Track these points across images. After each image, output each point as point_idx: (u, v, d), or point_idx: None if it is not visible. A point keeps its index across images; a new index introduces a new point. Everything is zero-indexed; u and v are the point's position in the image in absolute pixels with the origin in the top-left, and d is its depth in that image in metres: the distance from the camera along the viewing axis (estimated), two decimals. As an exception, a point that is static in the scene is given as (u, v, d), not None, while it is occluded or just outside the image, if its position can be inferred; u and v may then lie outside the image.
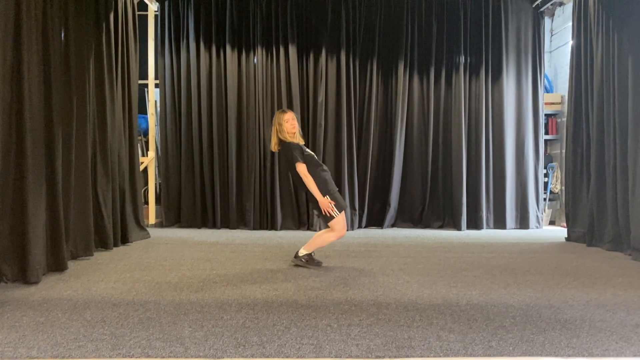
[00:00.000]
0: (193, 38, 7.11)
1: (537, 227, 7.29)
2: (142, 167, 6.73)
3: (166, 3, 7.19)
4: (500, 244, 5.82)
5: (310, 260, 4.38)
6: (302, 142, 4.49)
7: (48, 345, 2.44)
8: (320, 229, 6.84)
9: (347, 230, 6.88)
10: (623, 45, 5.19)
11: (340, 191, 6.98)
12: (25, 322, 2.80)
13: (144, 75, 7.23)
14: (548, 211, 7.78)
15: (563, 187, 7.31)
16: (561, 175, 7.60)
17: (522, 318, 2.90)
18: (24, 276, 3.68)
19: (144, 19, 7.18)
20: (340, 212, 4.29)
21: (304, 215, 7.09)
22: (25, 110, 3.73)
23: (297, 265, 4.40)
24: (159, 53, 7.27)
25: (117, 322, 2.78)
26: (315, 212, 4.50)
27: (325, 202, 4.22)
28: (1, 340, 2.51)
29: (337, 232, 4.33)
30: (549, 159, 7.91)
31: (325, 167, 4.44)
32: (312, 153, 4.45)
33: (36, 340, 2.51)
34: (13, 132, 3.71)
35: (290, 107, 6.95)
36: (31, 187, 3.75)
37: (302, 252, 4.40)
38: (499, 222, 7.26)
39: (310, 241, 4.41)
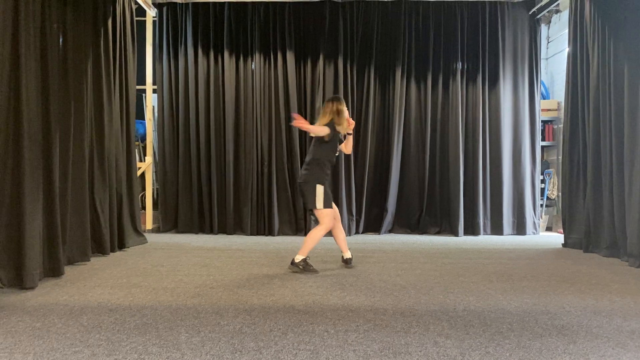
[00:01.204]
0: (191, 44, 7.13)
1: (534, 233, 7.31)
2: (139, 173, 6.73)
3: (164, 9, 7.21)
4: (497, 250, 5.83)
5: (306, 267, 4.39)
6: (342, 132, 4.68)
7: (44, 350, 2.43)
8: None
9: (346, 235, 6.93)
10: (619, 52, 5.22)
11: (338, 196, 7.00)
12: (21, 327, 2.79)
13: (141, 80, 7.24)
14: (545, 217, 7.79)
15: (560, 194, 7.33)
16: (558, 181, 7.63)
17: (519, 324, 2.90)
18: (20, 281, 3.67)
19: (142, 25, 7.19)
20: (326, 207, 4.47)
21: (301, 221, 7.09)
22: (23, 115, 3.73)
23: (294, 272, 4.41)
24: (157, 58, 7.28)
25: (113, 328, 2.77)
26: (310, 210, 4.63)
27: (305, 125, 4.41)
28: (-3, 345, 2.50)
29: (325, 225, 4.46)
30: (545, 165, 7.94)
31: (331, 168, 4.68)
32: (338, 149, 4.68)
33: (32, 345, 2.50)
34: (10, 137, 3.71)
35: (287, 112, 6.99)
36: (28, 191, 3.74)
37: (299, 257, 4.41)
38: (496, 228, 7.27)
39: (304, 245, 4.44)
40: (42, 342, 2.54)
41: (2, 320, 2.90)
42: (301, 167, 4.83)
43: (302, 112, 7.13)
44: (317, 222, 6.51)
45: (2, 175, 3.66)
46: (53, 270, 4.09)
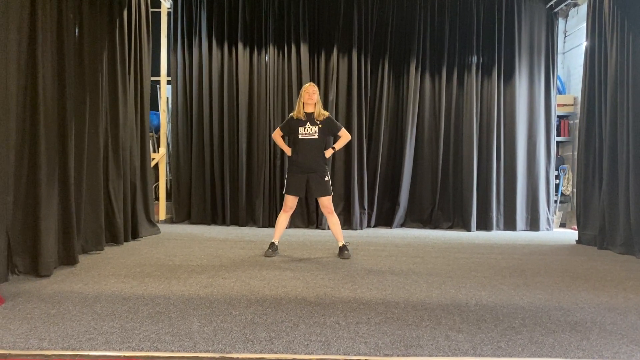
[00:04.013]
0: (205, 35, 7.14)
1: (547, 229, 7.25)
2: (153, 164, 6.77)
3: (179, 0, 7.22)
4: (510, 245, 5.79)
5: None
6: (320, 115, 4.80)
7: (59, 337, 2.47)
8: (327, 228, 6.86)
9: (356, 229, 6.94)
10: (638, 47, 5.14)
11: (350, 190, 7.00)
12: (36, 314, 2.82)
13: (156, 71, 7.27)
14: (559, 213, 7.72)
15: (574, 190, 7.25)
16: (572, 177, 7.55)
17: (531, 319, 2.88)
18: (36, 269, 3.72)
19: (157, 16, 7.22)
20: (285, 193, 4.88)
21: (313, 214, 7.10)
22: (40, 105, 3.77)
23: (345, 257, 4.74)
24: (171, 50, 7.31)
25: (126, 316, 2.80)
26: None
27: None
28: (13, 331, 2.53)
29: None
30: (560, 160, 7.86)
31: (299, 152, 4.82)
32: (304, 132, 4.79)
33: (47, 332, 2.53)
34: (27, 126, 3.75)
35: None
36: (44, 181, 3.79)
37: (342, 242, 4.84)
38: (509, 224, 7.23)
39: (336, 234, 4.85)
40: (57, 329, 2.58)
41: (19, 307, 2.94)
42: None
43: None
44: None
45: (19, 164, 3.70)
46: (68, 259, 4.14)
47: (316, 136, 4.77)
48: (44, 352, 2.28)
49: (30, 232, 3.76)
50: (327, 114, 4.86)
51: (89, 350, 2.32)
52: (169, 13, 7.34)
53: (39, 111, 3.76)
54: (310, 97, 4.77)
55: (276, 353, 2.32)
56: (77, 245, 4.25)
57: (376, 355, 2.32)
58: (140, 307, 2.98)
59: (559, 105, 7.58)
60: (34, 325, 2.63)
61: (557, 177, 7.66)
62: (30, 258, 3.75)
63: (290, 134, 4.92)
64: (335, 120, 5.01)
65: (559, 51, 7.71)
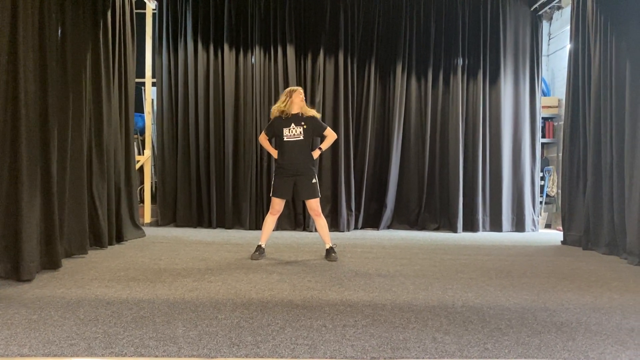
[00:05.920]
0: (191, 37, 7.09)
1: (533, 230, 7.30)
2: (138, 166, 6.70)
3: (164, 1, 7.17)
4: (496, 246, 5.82)
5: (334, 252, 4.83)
6: (308, 112, 4.79)
7: (40, 343, 2.42)
8: (315, 230, 6.84)
9: (343, 230, 6.93)
10: (621, 50, 5.20)
11: (337, 192, 6.99)
12: (17, 319, 2.77)
13: (141, 73, 7.20)
14: (544, 214, 7.79)
15: (559, 191, 7.32)
16: (557, 178, 7.62)
17: (517, 320, 2.89)
18: (17, 274, 3.65)
19: (141, 17, 7.15)
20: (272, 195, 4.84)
21: (300, 216, 7.08)
22: (21, 106, 3.70)
23: (332, 259, 4.71)
24: (156, 51, 7.25)
25: (110, 321, 2.76)
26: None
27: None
28: (-7, 337, 2.48)
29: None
30: (545, 162, 7.93)
31: (285, 155, 4.77)
32: (288, 134, 4.74)
33: (28, 338, 2.48)
34: (8, 128, 3.68)
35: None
36: (26, 183, 3.72)
37: (329, 244, 4.81)
38: (495, 225, 7.27)
39: (323, 236, 4.82)
40: (39, 335, 2.53)
41: (-1, 312, 2.88)
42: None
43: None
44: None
45: (0, 167, 3.63)
46: (50, 263, 4.07)
47: (301, 137, 4.73)
48: (25, 359, 2.24)
49: (11, 236, 3.69)
50: (313, 112, 4.83)
51: (71, 356, 2.27)
52: (153, 14, 7.28)
53: (20, 113, 3.69)
54: (302, 100, 4.79)
55: (262, 357, 2.30)
56: (60, 249, 4.18)
57: (363, 358, 2.31)
58: (124, 311, 2.94)
59: (543, 107, 7.65)
60: (15, 331, 2.58)
61: (542, 178, 7.72)
62: (11, 262, 3.68)
63: (275, 137, 4.88)
64: (320, 121, 4.99)
65: (543, 53, 7.78)
